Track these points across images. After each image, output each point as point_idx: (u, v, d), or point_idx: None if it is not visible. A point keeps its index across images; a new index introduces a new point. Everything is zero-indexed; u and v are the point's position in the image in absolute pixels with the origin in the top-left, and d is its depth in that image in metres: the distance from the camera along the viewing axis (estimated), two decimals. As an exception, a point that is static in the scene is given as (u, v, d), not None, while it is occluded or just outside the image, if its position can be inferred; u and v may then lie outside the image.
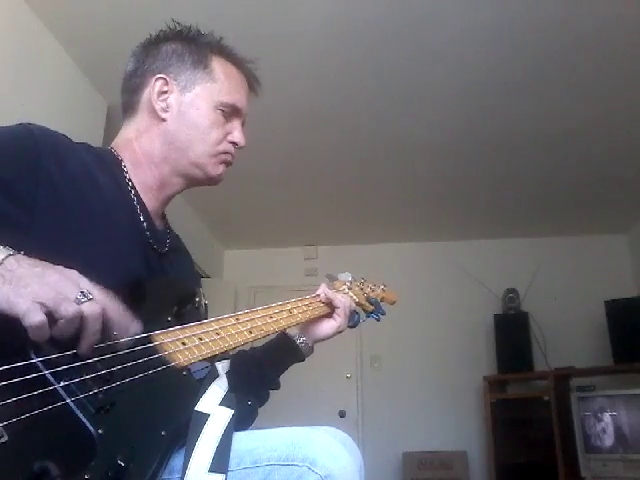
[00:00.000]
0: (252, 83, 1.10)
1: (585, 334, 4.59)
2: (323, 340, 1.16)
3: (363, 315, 1.32)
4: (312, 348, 1.15)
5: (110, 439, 0.65)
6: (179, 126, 1.01)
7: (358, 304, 1.32)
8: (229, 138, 1.04)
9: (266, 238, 5.14)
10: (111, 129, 2.94)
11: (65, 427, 0.63)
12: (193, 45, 1.04)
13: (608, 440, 3.70)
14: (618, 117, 3.27)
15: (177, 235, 1.12)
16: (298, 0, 2.45)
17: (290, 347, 1.12)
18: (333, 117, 3.31)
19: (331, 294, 1.17)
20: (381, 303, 1.42)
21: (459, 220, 4.77)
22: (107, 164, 0.96)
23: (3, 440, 0.56)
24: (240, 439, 0.78)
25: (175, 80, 1.02)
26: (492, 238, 5.03)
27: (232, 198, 4.24)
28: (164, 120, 1.01)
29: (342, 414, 4.79)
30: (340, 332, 1.17)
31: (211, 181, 1.05)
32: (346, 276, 1.37)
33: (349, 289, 1.32)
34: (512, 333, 4.50)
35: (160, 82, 1.01)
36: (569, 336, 4.55)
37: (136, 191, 0.98)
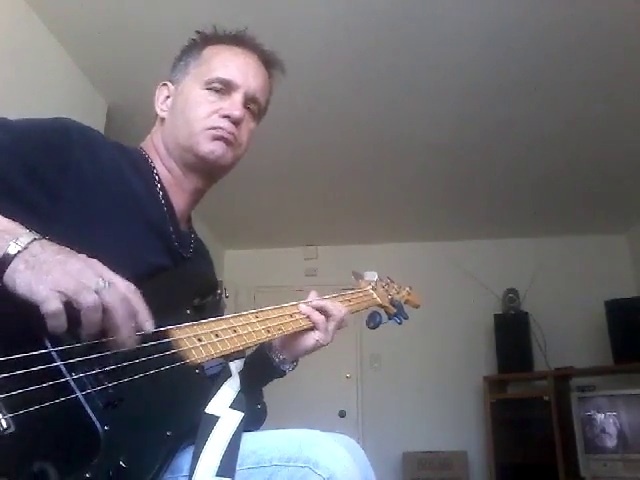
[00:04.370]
0: (252, 50, 1.07)
1: (585, 334, 4.59)
2: (304, 355, 1.07)
3: (385, 317, 1.30)
4: (294, 364, 1.08)
5: (115, 437, 0.64)
6: (171, 119, 1.02)
7: (381, 306, 1.31)
8: (220, 112, 0.98)
9: (266, 238, 5.14)
10: (111, 129, 2.94)
11: (72, 421, 0.63)
12: (193, 45, 1.07)
13: (608, 440, 3.70)
14: (618, 117, 3.26)
15: (201, 240, 1.11)
16: (298, 2, 2.45)
17: (265, 365, 1.06)
18: (333, 117, 3.30)
19: (322, 303, 1.07)
20: (405, 305, 1.40)
21: (459, 220, 4.77)
22: (137, 163, 0.97)
23: (10, 430, 0.56)
24: (243, 440, 0.78)
25: (173, 82, 1.05)
26: (492, 238, 5.03)
27: (232, 198, 4.23)
28: (164, 119, 1.04)
29: (342, 414, 4.78)
30: (322, 346, 1.07)
31: (206, 161, 0.98)
32: (372, 275, 1.35)
33: (373, 290, 1.31)
34: (512, 333, 4.50)
35: (161, 88, 1.05)
36: (569, 336, 4.55)
37: (165, 192, 0.98)
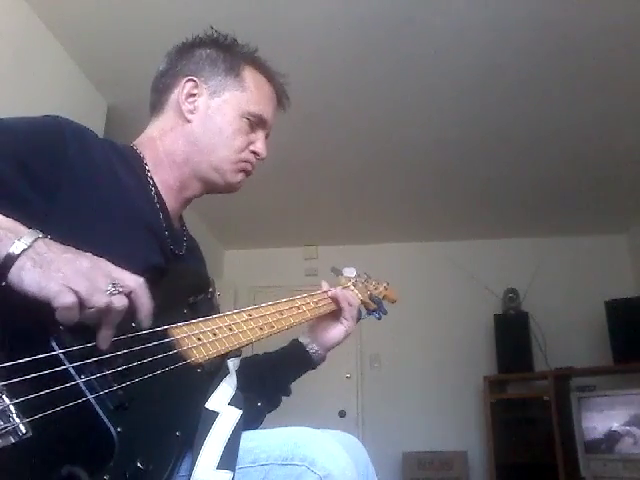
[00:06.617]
0: (281, 98, 1.11)
1: (585, 334, 4.59)
2: (334, 346, 1.17)
3: (364, 312, 1.33)
4: (324, 356, 1.17)
5: (128, 438, 0.63)
6: (204, 129, 1.01)
7: (362, 301, 1.32)
8: (251, 148, 1.04)
9: (266, 238, 5.14)
10: (111, 129, 2.94)
11: (84, 423, 0.62)
12: (227, 53, 1.05)
13: (608, 440, 3.70)
14: (618, 117, 3.27)
15: (193, 237, 1.11)
16: (297, 1, 2.45)
17: (302, 356, 1.14)
18: (333, 117, 3.31)
19: (341, 294, 1.18)
20: (383, 301, 1.42)
21: (459, 220, 4.77)
22: (129, 161, 0.96)
23: (29, 435, 0.55)
24: (241, 438, 0.78)
25: (205, 84, 1.02)
26: (492, 238, 5.03)
27: (232, 198, 4.21)
28: (189, 121, 1.01)
29: (342, 414, 4.78)
30: (348, 335, 1.18)
31: (229, 188, 1.06)
32: (351, 271, 1.37)
33: (354, 286, 1.32)
34: (512, 333, 4.50)
35: (190, 84, 1.02)
36: (569, 336, 4.55)
37: (157, 190, 0.98)
